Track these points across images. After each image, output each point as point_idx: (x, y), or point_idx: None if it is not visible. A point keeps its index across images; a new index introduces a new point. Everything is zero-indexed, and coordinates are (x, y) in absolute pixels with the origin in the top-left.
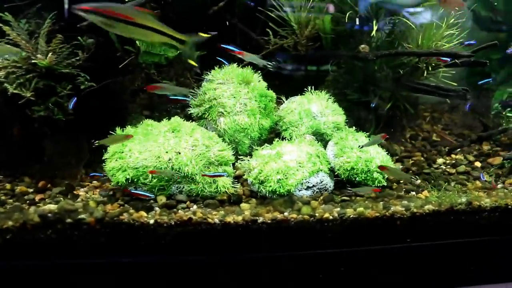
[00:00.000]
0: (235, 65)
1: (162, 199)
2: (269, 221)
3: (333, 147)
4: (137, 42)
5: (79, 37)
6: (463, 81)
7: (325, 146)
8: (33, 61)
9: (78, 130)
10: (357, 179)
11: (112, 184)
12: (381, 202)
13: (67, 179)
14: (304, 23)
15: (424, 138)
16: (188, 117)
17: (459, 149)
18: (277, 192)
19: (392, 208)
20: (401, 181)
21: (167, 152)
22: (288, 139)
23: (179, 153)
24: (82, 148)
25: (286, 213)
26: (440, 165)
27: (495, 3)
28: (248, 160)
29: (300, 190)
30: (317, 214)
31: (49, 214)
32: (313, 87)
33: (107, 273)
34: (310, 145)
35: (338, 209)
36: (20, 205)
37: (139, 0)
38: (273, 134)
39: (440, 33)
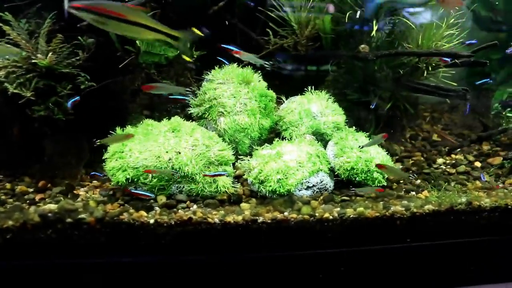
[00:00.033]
0: (235, 65)
1: (162, 198)
2: (269, 221)
3: (333, 147)
4: (137, 42)
5: (79, 37)
6: (463, 81)
7: (325, 146)
8: (33, 60)
9: (78, 130)
10: (357, 179)
11: (112, 183)
12: (381, 202)
13: (67, 178)
14: (304, 23)
15: (424, 138)
16: (188, 117)
17: (459, 149)
18: (277, 192)
19: (392, 208)
20: (401, 181)
21: (167, 152)
22: (288, 139)
23: (179, 153)
24: (82, 148)
25: (286, 213)
26: (440, 165)
27: (497, 2)
28: (248, 160)
29: (300, 190)
30: (317, 214)
31: (49, 214)
32: (313, 87)
33: (107, 273)
34: (310, 145)
35: (338, 209)
36: (20, 204)
37: (139, 0)
38: (273, 134)
39: (440, 33)
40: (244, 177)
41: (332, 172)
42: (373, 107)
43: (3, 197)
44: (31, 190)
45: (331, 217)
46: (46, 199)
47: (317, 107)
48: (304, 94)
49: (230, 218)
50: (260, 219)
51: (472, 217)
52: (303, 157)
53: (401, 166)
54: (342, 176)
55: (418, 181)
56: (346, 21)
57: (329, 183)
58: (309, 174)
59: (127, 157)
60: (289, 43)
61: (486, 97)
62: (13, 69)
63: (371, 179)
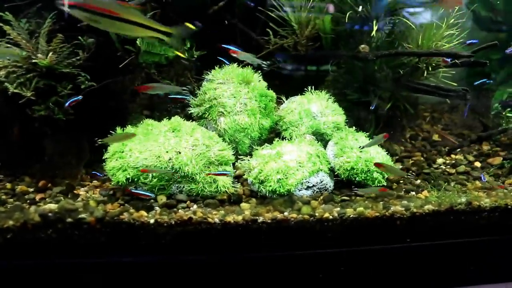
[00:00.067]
0: (235, 65)
1: (162, 198)
2: (269, 221)
3: (333, 147)
4: (137, 42)
5: (79, 37)
6: (463, 81)
7: (325, 146)
8: (33, 60)
9: (79, 130)
10: (357, 179)
11: (112, 183)
12: (381, 202)
13: (68, 178)
14: (304, 23)
15: (424, 138)
16: (189, 117)
17: (459, 149)
18: (277, 192)
19: (392, 208)
20: (401, 181)
21: (167, 151)
22: (288, 139)
23: (180, 152)
24: (82, 148)
25: (286, 213)
26: (440, 165)
27: (498, 1)
28: (248, 160)
29: (300, 190)
30: (317, 214)
31: (50, 214)
32: (313, 87)
33: (107, 273)
34: (310, 145)
35: (338, 209)
36: (20, 204)
37: (139, 0)
38: (273, 134)
39: (440, 33)
40: (244, 177)
41: (332, 172)
42: (373, 108)
43: (3, 197)
44: (31, 190)
45: (331, 217)
46: (47, 199)
47: (317, 107)
48: (304, 94)
49: (230, 218)
50: (260, 219)
51: (472, 217)
52: (303, 157)
53: (401, 166)
54: (342, 176)
55: (418, 181)
56: (346, 21)
57: (329, 183)
58: (309, 174)
59: (127, 157)
60: (289, 43)
61: (486, 97)
62: (14, 69)
63: (371, 179)
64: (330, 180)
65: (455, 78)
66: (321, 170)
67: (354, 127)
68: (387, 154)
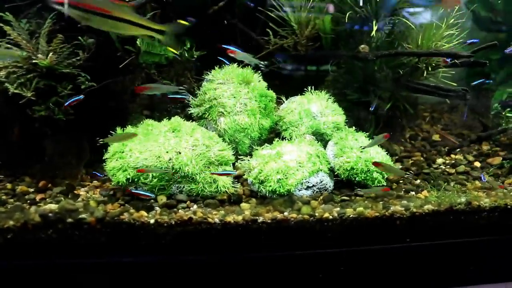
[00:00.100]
0: (235, 65)
1: (162, 198)
2: (269, 221)
3: (333, 147)
4: (137, 42)
5: (79, 37)
6: (462, 81)
7: (325, 146)
8: (34, 61)
9: (79, 130)
10: (356, 179)
11: (112, 183)
12: (381, 202)
13: (68, 179)
14: (304, 23)
15: (424, 138)
16: (189, 117)
17: (458, 149)
18: (277, 192)
19: (391, 208)
20: (401, 181)
21: (167, 152)
22: (288, 139)
23: (180, 153)
24: (82, 148)
25: (286, 213)
26: (440, 165)
27: (499, 1)
28: (248, 160)
29: (300, 190)
30: (317, 214)
31: (50, 214)
32: (313, 87)
33: (107, 273)
34: (310, 145)
35: (338, 209)
36: (21, 204)
37: (139, 0)
38: (273, 134)
39: (440, 33)
40: (244, 177)
41: (332, 172)
42: (372, 109)
43: (4, 197)
44: (31, 190)
45: (331, 217)
46: (47, 199)
47: (317, 107)
48: (304, 94)
49: (230, 218)
50: (260, 219)
51: (471, 217)
52: (303, 157)
53: (400, 166)
54: (342, 176)
55: (418, 181)
56: (346, 21)
57: (329, 183)
58: (309, 174)
59: (128, 157)
60: (289, 43)
61: (486, 97)
62: (14, 69)
63: (371, 179)
64: (330, 180)
65: (455, 78)
66: (321, 170)
67: (354, 127)
68: (387, 154)
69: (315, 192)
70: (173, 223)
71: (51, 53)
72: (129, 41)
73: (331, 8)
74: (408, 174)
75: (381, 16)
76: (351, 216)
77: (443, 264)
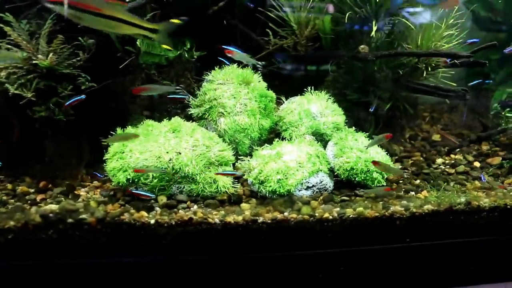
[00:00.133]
0: (235, 65)
1: (162, 199)
2: (269, 221)
3: (333, 147)
4: (137, 42)
5: (79, 38)
6: (462, 81)
7: (324, 146)
8: (34, 61)
9: (79, 130)
10: (356, 179)
11: (113, 184)
12: (381, 202)
13: (68, 179)
14: (304, 23)
15: (424, 138)
16: (189, 118)
17: (458, 149)
18: (277, 192)
19: (391, 208)
20: (401, 181)
21: (167, 152)
22: (288, 139)
23: (180, 153)
24: (83, 149)
25: (286, 213)
26: (440, 165)
27: (500, 0)
28: (248, 160)
29: (300, 190)
30: (317, 214)
31: (50, 214)
32: (312, 87)
33: (108, 273)
34: (310, 145)
35: (338, 209)
36: (21, 205)
37: (139, 0)
38: (273, 134)
39: (439, 34)
40: (244, 177)
41: (331, 172)
42: (372, 109)
43: (4, 197)
44: (32, 190)
45: (330, 217)
46: (47, 200)
47: (316, 107)
48: (303, 95)
49: (230, 218)
50: (260, 219)
51: (471, 217)
52: (303, 157)
53: (400, 166)
54: (342, 176)
55: (418, 181)
56: (346, 21)
57: (329, 183)
58: (309, 175)
59: (128, 157)
60: (289, 44)
61: (486, 97)
62: (14, 70)
63: (371, 179)
64: (329, 180)
65: (455, 78)
66: (321, 170)
67: (353, 127)
68: (387, 154)
69: (315, 192)
70: (174, 223)
71: (51, 54)
72: (129, 42)
73: (330, 8)
74: (405, 172)
75: (382, 16)
76: (351, 216)
77: (443, 264)
